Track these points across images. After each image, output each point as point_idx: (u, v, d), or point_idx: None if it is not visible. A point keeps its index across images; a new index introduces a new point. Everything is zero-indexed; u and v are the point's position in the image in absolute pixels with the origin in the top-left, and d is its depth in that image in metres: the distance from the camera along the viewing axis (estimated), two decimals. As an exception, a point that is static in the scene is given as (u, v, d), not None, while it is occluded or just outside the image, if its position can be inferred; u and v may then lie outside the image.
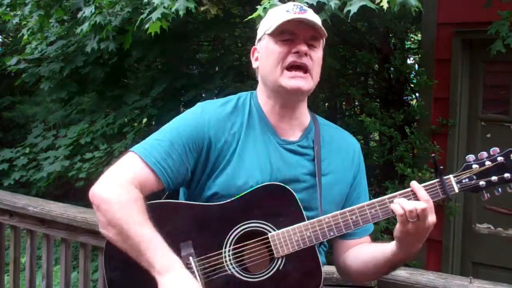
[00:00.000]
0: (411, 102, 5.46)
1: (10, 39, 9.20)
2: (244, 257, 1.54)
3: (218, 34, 5.89)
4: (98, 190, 1.54)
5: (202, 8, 3.33)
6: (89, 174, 5.37)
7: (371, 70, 5.62)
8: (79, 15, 3.85)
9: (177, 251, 1.50)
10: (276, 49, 1.58)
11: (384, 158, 4.26)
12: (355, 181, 1.73)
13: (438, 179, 1.54)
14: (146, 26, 3.02)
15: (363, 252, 1.67)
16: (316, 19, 1.61)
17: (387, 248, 1.57)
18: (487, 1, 3.15)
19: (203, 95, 5.54)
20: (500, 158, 1.55)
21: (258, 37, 1.69)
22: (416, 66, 4.99)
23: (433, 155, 1.63)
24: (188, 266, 1.49)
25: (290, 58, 1.56)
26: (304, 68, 1.58)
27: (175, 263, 1.47)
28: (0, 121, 9.58)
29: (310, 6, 2.42)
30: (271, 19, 1.62)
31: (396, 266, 1.63)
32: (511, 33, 3.20)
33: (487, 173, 1.55)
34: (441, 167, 1.56)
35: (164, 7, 2.87)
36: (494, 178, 1.54)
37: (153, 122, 6.06)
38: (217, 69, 5.99)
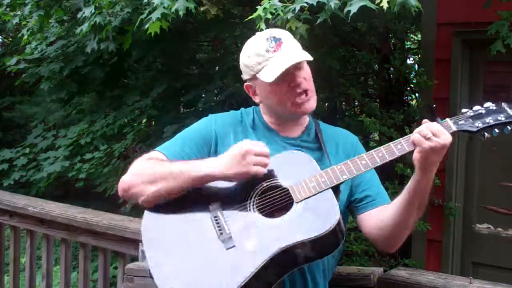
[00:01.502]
0: (411, 102, 5.47)
1: (10, 39, 9.21)
2: (266, 205, 1.67)
3: (218, 34, 5.88)
4: (124, 177, 1.75)
5: (202, 8, 3.33)
6: (89, 175, 5.38)
7: (371, 70, 5.63)
8: (79, 16, 3.85)
9: (206, 208, 1.68)
10: (277, 90, 1.76)
11: (384, 158, 4.25)
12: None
13: (435, 122, 1.64)
14: (146, 26, 3.02)
15: (390, 206, 1.75)
16: (292, 43, 1.77)
17: (409, 183, 1.67)
18: (487, 1, 3.15)
19: (203, 95, 5.54)
20: (492, 106, 1.67)
21: (246, 75, 1.83)
22: (416, 66, 4.99)
23: (434, 106, 1.72)
24: (216, 220, 1.65)
25: (293, 92, 1.75)
26: (306, 92, 1.77)
27: (208, 159, 1.70)
28: (0, 121, 9.59)
29: (310, 6, 2.43)
30: (257, 61, 1.75)
31: (423, 197, 1.68)
32: (511, 33, 3.20)
33: (482, 116, 1.66)
34: (434, 105, 1.70)
35: (164, 7, 2.87)
36: (489, 118, 1.65)
37: (153, 122, 6.06)
38: (217, 69, 5.99)
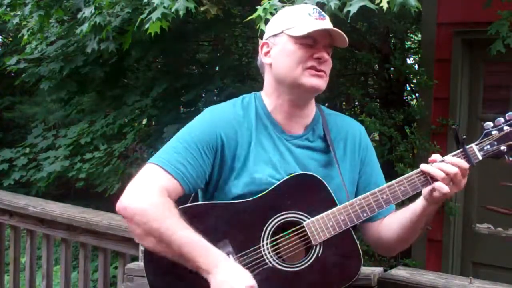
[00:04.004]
0: (411, 102, 5.46)
1: (10, 39, 9.20)
2: (282, 248, 1.57)
3: (218, 34, 5.89)
4: (129, 203, 1.56)
5: (202, 8, 3.33)
6: (89, 174, 5.37)
7: (371, 70, 5.62)
8: (79, 16, 3.85)
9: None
10: (297, 51, 1.63)
11: (384, 158, 4.26)
12: (365, 162, 1.77)
13: (461, 149, 1.57)
14: (146, 26, 3.02)
15: (395, 219, 1.69)
16: (338, 29, 1.66)
17: (416, 208, 1.61)
18: (487, 1, 3.15)
19: (203, 95, 5.54)
20: None
21: (271, 32, 1.71)
22: (416, 66, 4.99)
23: (453, 126, 1.69)
24: None
25: (311, 63, 1.62)
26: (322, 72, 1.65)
27: (219, 256, 1.51)
28: (0, 121, 9.58)
29: (310, 6, 2.43)
30: (292, 19, 1.66)
31: (429, 219, 1.65)
32: (511, 33, 3.20)
33: (506, 138, 1.58)
34: (464, 137, 1.60)
35: (164, 7, 2.87)
36: None
37: (153, 122, 6.06)
38: (217, 69, 5.99)
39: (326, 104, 6.57)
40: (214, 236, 1.55)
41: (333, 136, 1.74)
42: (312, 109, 1.77)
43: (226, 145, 1.64)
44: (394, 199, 1.59)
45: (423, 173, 1.57)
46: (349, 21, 2.76)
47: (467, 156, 1.56)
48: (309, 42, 1.62)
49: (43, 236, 3.10)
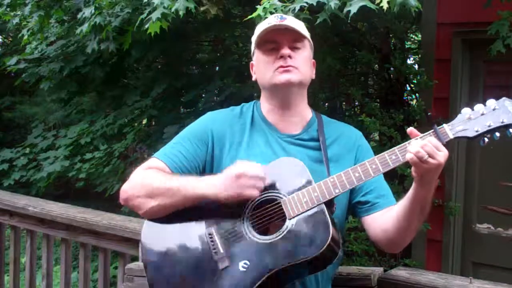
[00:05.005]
0: (411, 102, 5.46)
1: (10, 39, 9.20)
2: (260, 223, 1.68)
3: (218, 34, 5.89)
4: (124, 185, 1.78)
5: (202, 8, 3.33)
6: (89, 175, 5.38)
7: (371, 70, 5.62)
8: (79, 16, 3.85)
9: (200, 224, 1.71)
10: (264, 59, 1.78)
11: (384, 158, 4.25)
12: (357, 161, 1.80)
13: (432, 129, 1.60)
14: (146, 26, 3.02)
15: (393, 211, 1.73)
16: (296, 23, 1.78)
17: (410, 193, 1.64)
18: (487, 1, 3.15)
19: (203, 95, 5.54)
20: (495, 106, 1.57)
21: (251, 52, 1.87)
22: (416, 66, 4.99)
23: (428, 114, 1.69)
24: (210, 237, 1.68)
25: (277, 63, 1.75)
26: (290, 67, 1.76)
27: (205, 178, 1.70)
28: (0, 121, 9.58)
29: (310, 6, 2.43)
30: (257, 34, 1.80)
31: (424, 206, 1.65)
32: (511, 33, 3.20)
33: (482, 120, 1.56)
34: (429, 114, 1.62)
35: (164, 7, 2.87)
36: (489, 123, 1.55)
37: (153, 122, 6.06)
38: (217, 69, 5.99)
39: (326, 104, 6.58)
40: (199, 211, 1.72)
41: (327, 139, 1.83)
42: (305, 110, 1.87)
43: (216, 138, 1.80)
44: (365, 176, 1.63)
45: (394, 150, 1.62)
46: (349, 21, 2.76)
47: (437, 135, 1.58)
48: (272, 46, 1.76)
49: (43, 236, 3.10)
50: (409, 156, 1.55)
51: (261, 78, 1.81)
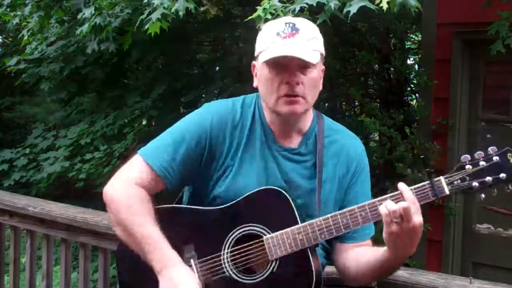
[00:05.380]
0: (411, 102, 5.46)
1: (10, 39, 9.20)
2: (241, 260, 1.61)
3: (218, 35, 5.89)
4: (108, 190, 1.66)
5: (202, 9, 3.33)
6: (89, 175, 5.38)
7: (371, 70, 5.62)
8: (79, 16, 3.85)
9: (181, 253, 1.59)
10: (269, 78, 1.61)
11: (384, 158, 4.26)
12: (354, 183, 1.74)
13: (428, 181, 1.52)
14: (146, 26, 3.02)
15: (363, 255, 1.66)
16: (309, 39, 1.60)
17: (380, 253, 1.58)
18: (487, 1, 3.15)
19: (204, 96, 5.54)
20: (495, 158, 1.50)
21: (255, 53, 1.69)
22: (416, 66, 5.00)
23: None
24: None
25: (283, 90, 1.59)
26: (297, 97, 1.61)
27: (174, 260, 1.57)
28: (0, 121, 9.58)
29: (310, 6, 2.43)
30: (263, 41, 1.64)
31: (389, 271, 1.64)
32: (511, 33, 3.20)
33: (481, 174, 1.49)
34: (428, 169, 1.56)
35: (164, 8, 2.87)
36: (488, 178, 1.49)
37: (153, 123, 6.06)
38: (217, 70, 5.99)
39: (326, 104, 6.58)
40: (180, 239, 1.61)
41: (326, 151, 1.71)
42: (307, 121, 1.73)
43: (214, 147, 1.66)
44: (353, 224, 1.55)
45: (386, 198, 1.53)
46: (349, 21, 2.76)
47: (433, 189, 1.50)
48: (279, 65, 1.59)
49: (43, 236, 3.10)
50: (381, 210, 1.47)
51: (264, 95, 1.66)
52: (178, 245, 1.59)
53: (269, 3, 2.46)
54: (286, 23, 1.61)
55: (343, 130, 1.81)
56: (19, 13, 4.39)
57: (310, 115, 1.75)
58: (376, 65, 5.21)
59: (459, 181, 1.51)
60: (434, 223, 3.99)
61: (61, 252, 3.02)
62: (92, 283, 3.75)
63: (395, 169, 3.79)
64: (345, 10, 2.37)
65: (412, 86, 5.11)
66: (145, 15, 3.03)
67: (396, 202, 1.48)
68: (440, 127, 4.13)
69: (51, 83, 5.50)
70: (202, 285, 1.56)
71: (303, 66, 1.59)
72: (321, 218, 1.57)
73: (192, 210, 1.69)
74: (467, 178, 1.51)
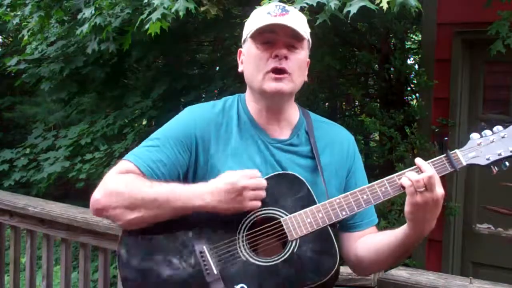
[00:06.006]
0: (411, 102, 5.46)
1: (10, 39, 9.21)
2: (258, 243, 1.55)
3: (218, 35, 5.89)
4: (96, 194, 1.56)
5: (202, 9, 3.33)
6: (89, 175, 5.37)
7: (371, 70, 5.62)
8: (79, 16, 3.85)
9: (193, 240, 1.53)
10: (257, 54, 1.60)
11: (384, 158, 4.27)
12: (351, 171, 1.73)
13: (444, 154, 1.55)
14: (146, 26, 3.02)
15: (375, 240, 1.65)
16: (298, 20, 1.60)
17: (399, 231, 1.56)
18: (487, 1, 3.15)
19: (203, 96, 5.54)
20: (504, 133, 1.56)
21: (242, 39, 1.68)
22: (416, 66, 5.00)
23: (436, 130, 1.64)
24: (202, 255, 1.52)
25: (271, 64, 1.57)
26: (284, 71, 1.58)
27: (196, 186, 1.53)
28: (0, 121, 9.59)
29: (310, 6, 2.43)
30: (253, 21, 1.62)
31: (409, 249, 1.61)
32: (511, 33, 3.20)
33: (493, 148, 1.55)
34: (446, 138, 1.58)
35: (164, 8, 2.87)
36: (499, 151, 1.54)
37: (153, 123, 6.07)
38: (217, 70, 5.99)
39: (326, 104, 6.59)
40: (191, 227, 1.55)
41: (319, 142, 1.69)
42: (294, 112, 1.72)
43: (201, 144, 1.62)
44: (374, 199, 1.54)
45: (404, 175, 1.52)
46: (349, 21, 2.76)
47: (450, 161, 1.53)
48: (268, 39, 1.58)
49: (43, 236, 3.10)
50: (404, 182, 1.48)
51: (250, 75, 1.64)
52: (188, 233, 1.54)
53: (269, 3, 2.47)
54: (276, 5, 1.61)
55: (330, 122, 1.81)
56: (19, 13, 4.39)
57: (296, 109, 1.74)
58: (376, 65, 5.20)
59: (473, 153, 1.55)
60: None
61: (61, 252, 3.02)
62: (92, 283, 3.75)
63: (395, 169, 3.79)
64: (345, 10, 2.38)
65: (412, 86, 5.11)
66: (145, 15, 3.04)
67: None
68: (440, 127, 4.14)
69: (51, 83, 5.51)
70: (219, 268, 1.51)
71: (292, 45, 1.59)
72: (340, 196, 1.55)
73: None
74: (481, 151, 1.55)
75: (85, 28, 3.71)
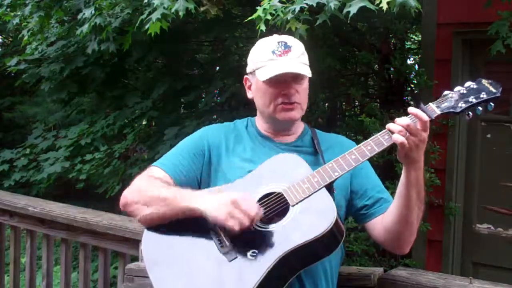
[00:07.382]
0: (411, 103, 5.46)
1: (10, 39, 9.21)
2: (264, 214, 1.67)
3: (219, 35, 5.89)
4: (125, 192, 1.82)
5: (202, 9, 3.33)
6: (90, 175, 5.38)
7: (371, 70, 5.62)
8: (79, 16, 3.85)
9: (205, 223, 1.67)
10: (267, 91, 1.82)
11: (384, 158, 4.26)
12: (353, 173, 1.83)
13: (419, 107, 1.67)
14: (146, 26, 3.02)
15: (391, 205, 1.77)
16: (300, 54, 1.81)
17: (401, 179, 1.70)
18: (487, 1, 3.15)
19: (204, 96, 5.53)
20: (473, 85, 1.71)
21: (248, 69, 1.90)
22: (416, 66, 4.99)
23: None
24: (215, 233, 1.68)
25: (281, 99, 1.80)
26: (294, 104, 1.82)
27: (202, 192, 1.74)
28: (0, 121, 9.59)
29: (310, 6, 2.43)
30: (259, 58, 1.83)
31: (419, 189, 1.69)
32: (511, 34, 3.20)
33: (464, 96, 1.69)
34: (416, 91, 1.70)
35: (164, 8, 2.87)
36: (471, 98, 1.68)
37: (154, 123, 6.07)
38: (217, 70, 5.99)
39: (326, 104, 6.58)
40: None
41: (322, 145, 1.89)
42: (300, 126, 1.94)
43: (212, 146, 1.87)
44: (361, 156, 1.68)
45: (386, 131, 1.70)
46: (349, 21, 2.76)
47: (425, 111, 1.65)
48: (277, 80, 1.77)
49: (43, 236, 3.10)
50: (394, 137, 1.63)
51: (261, 105, 1.86)
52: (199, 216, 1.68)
53: (269, 3, 2.47)
54: (278, 42, 1.82)
55: (334, 134, 2.02)
56: (19, 13, 4.39)
57: (302, 124, 1.96)
58: (376, 65, 5.20)
59: (446, 103, 1.70)
60: (434, 223, 4.00)
61: (61, 252, 3.03)
62: (92, 283, 3.75)
63: (395, 169, 3.79)
64: (345, 10, 2.37)
65: (412, 86, 5.11)
66: (145, 15, 3.04)
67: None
68: (440, 127, 4.14)
69: (51, 83, 5.50)
70: (230, 239, 1.65)
71: (298, 78, 1.80)
72: (331, 161, 1.70)
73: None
74: (453, 101, 1.70)
75: (85, 28, 3.70)
